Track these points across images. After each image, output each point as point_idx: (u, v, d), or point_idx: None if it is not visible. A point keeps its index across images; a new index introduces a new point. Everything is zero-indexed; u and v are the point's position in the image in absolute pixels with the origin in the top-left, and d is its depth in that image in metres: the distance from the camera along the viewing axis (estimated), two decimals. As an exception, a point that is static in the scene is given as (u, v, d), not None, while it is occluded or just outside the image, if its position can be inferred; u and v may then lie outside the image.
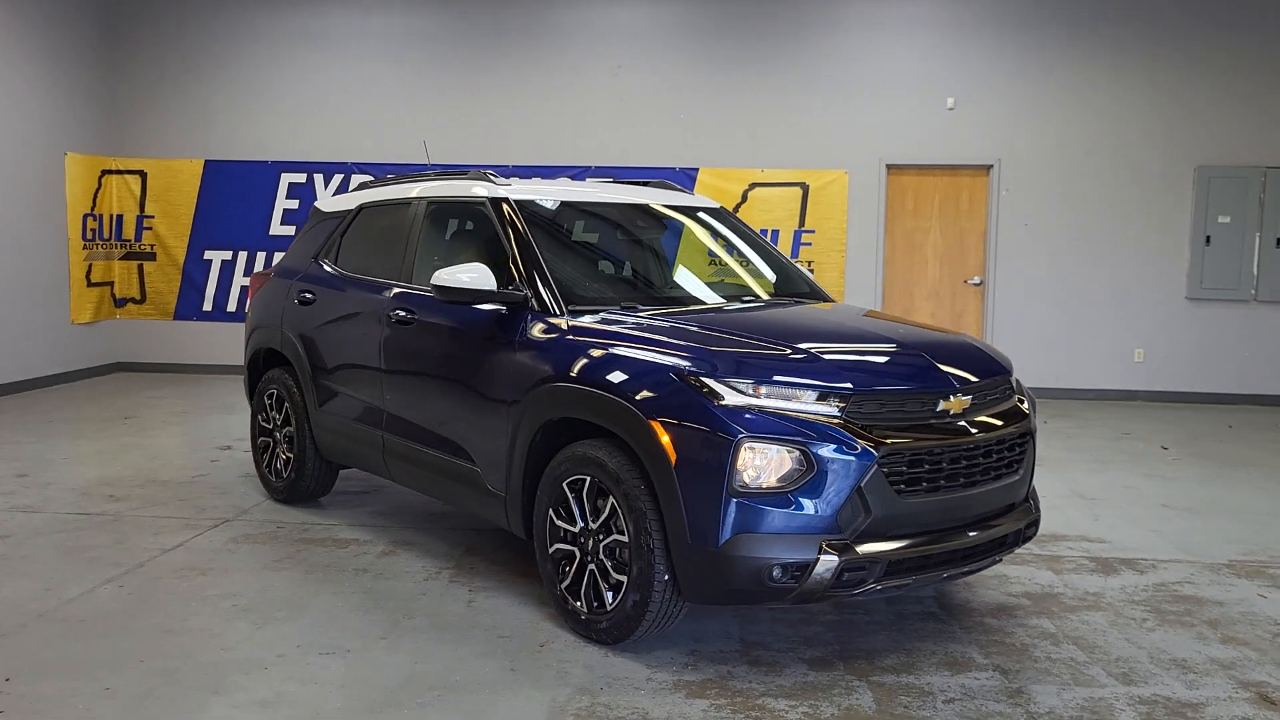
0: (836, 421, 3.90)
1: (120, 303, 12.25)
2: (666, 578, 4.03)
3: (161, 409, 9.78)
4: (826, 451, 3.83)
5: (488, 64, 11.60)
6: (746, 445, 3.81)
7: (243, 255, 12.04)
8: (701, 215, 5.81)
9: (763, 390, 3.94)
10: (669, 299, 5.03)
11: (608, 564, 4.21)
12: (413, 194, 5.77)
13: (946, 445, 4.05)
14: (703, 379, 3.96)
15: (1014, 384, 4.63)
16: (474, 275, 4.75)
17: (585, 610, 4.31)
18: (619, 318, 4.56)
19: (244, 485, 6.86)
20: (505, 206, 5.12)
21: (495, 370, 4.75)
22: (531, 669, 4.07)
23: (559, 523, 4.42)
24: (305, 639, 4.33)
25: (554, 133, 11.51)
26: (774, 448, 3.82)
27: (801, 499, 3.83)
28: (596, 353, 4.32)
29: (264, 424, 6.54)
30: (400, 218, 5.81)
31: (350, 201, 6.35)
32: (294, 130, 11.87)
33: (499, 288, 4.75)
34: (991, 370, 4.46)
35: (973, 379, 4.29)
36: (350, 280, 5.92)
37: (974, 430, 4.17)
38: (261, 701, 3.75)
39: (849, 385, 3.99)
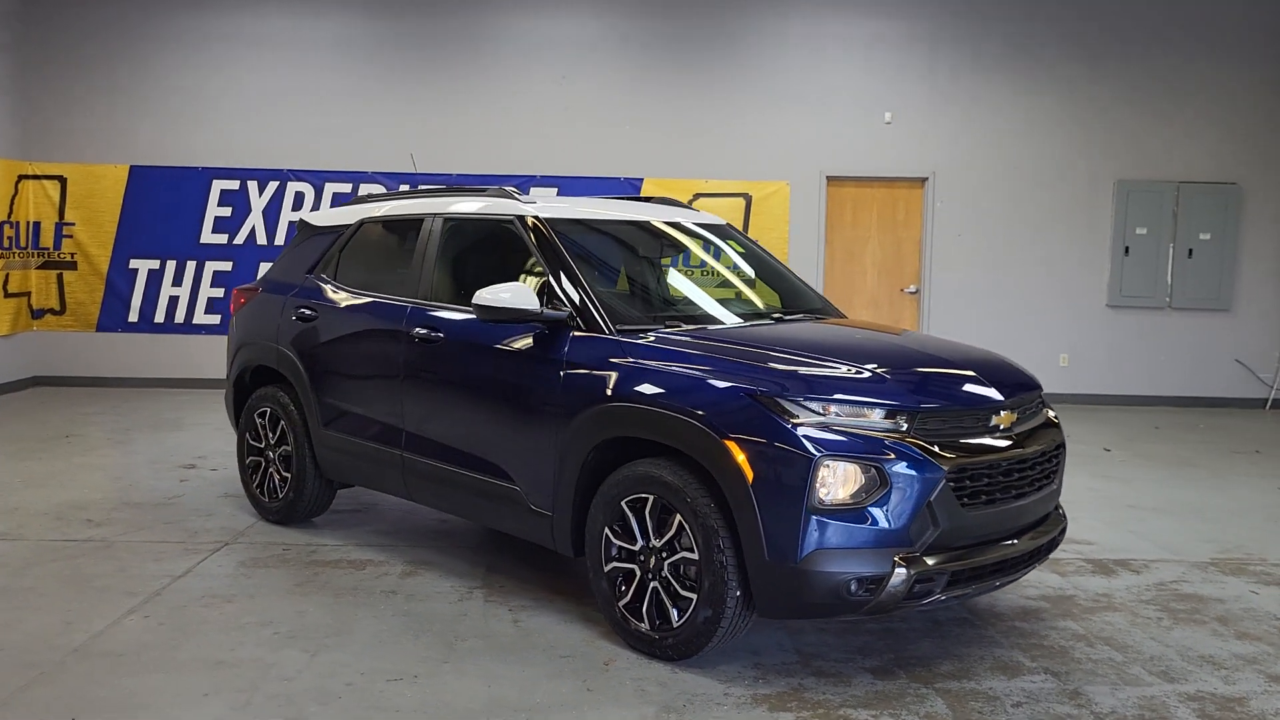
0: (906, 439, 4.04)
1: (38, 314, 11.71)
2: (738, 593, 4.11)
3: (100, 426, 9.40)
4: (899, 468, 3.97)
5: (430, 72, 11.48)
6: (825, 463, 3.92)
7: (171, 265, 11.64)
8: (714, 232, 5.90)
9: (832, 409, 4.06)
10: (707, 317, 5.10)
11: (674, 581, 4.26)
12: (425, 210, 5.72)
13: (1002, 459, 4.24)
14: (776, 399, 4.06)
15: (1043, 398, 4.85)
16: (517, 294, 4.75)
17: (649, 628, 4.35)
18: (674, 337, 4.62)
19: (228, 506, 6.67)
20: (539, 225, 5.13)
21: (541, 390, 4.75)
22: (607, 688, 4.10)
23: (616, 541, 4.46)
24: (365, 665, 4.27)
25: (499, 142, 11.46)
26: (850, 465, 3.94)
27: (876, 514, 3.96)
28: (660, 373, 4.37)
29: (254, 443, 6.38)
30: (411, 234, 5.75)
31: (348, 216, 6.25)
32: (226, 136, 11.53)
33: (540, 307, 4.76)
34: (1028, 385, 4.67)
35: (1015, 394, 4.50)
36: (357, 297, 5.84)
37: (1022, 444, 4.37)
38: (350, 732, 3.71)
39: (915, 403, 4.14)
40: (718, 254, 5.83)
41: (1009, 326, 11.62)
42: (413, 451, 5.41)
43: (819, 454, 3.92)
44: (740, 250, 5.90)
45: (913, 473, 3.98)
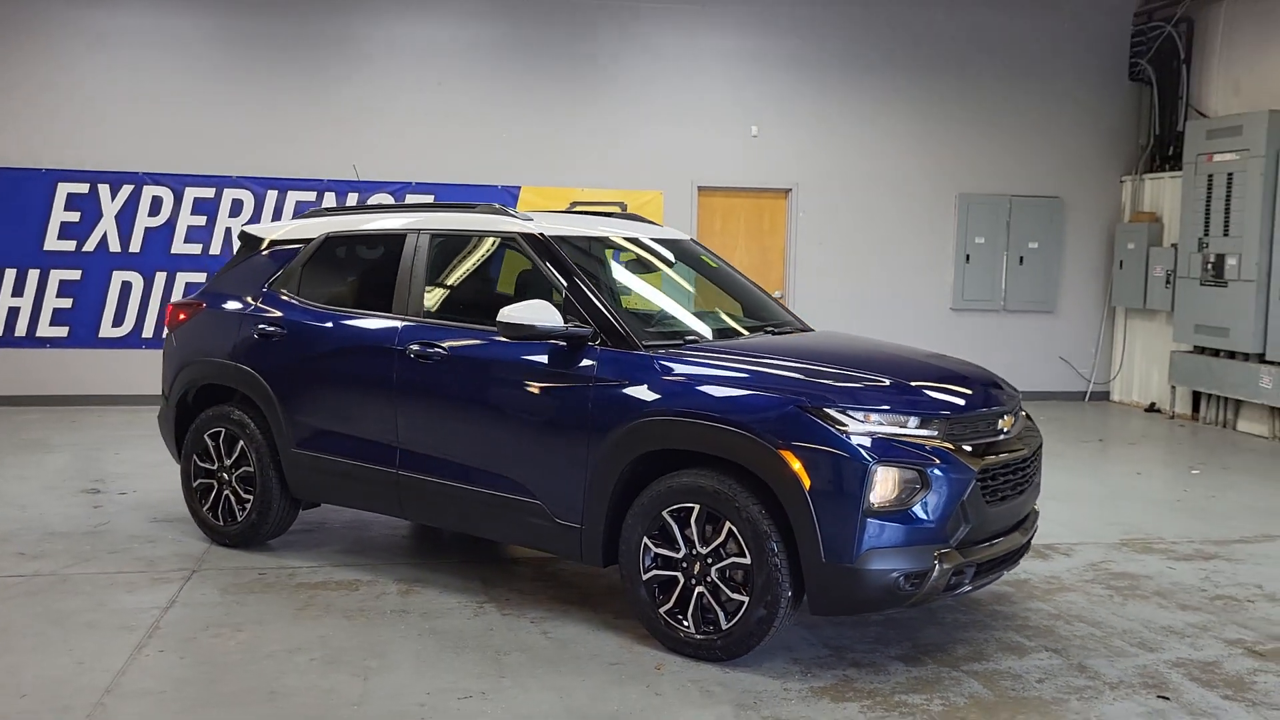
0: (941, 443, 4.41)
1: None
2: (789, 593, 4.38)
3: (-40, 450, 8.69)
4: (938, 470, 4.33)
5: (299, 74, 11.14)
6: (878, 469, 4.24)
7: (11, 273, 10.80)
8: (692, 247, 6.13)
9: (873, 418, 4.38)
10: (717, 330, 5.32)
11: (722, 585, 4.48)
12: (406, 226, 5.69)
13: (1011, 458, 4.68)
14: (824, 409, 4.34)
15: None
16: (541, 312, 4.84)
17: (695, 631, 4.55)
18: (700, 351, 4.83)
19: (168, 531, 6.38)
20: (546, 242, 5.22)
21: (568, 406, 4.86)
22: (672, 691, 4.27)
23: (657, 550, 4.63)
24: (425, 686, 4.28)
25: (372, 148, 11.25)
26: (898, 470, 4.28)
27: (919, 514, 4.31)
28: (705, 386, 4.57)
29: (204, 465, 6.13)
30: (389, 249, 5.71)
31: (306, 230, 6.10)
32: (73, 136, 10.82)
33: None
34: (1013, 392, 5.15)
35: (1011, 400, 4.96)
36: (333, 314, 5.73)
37: (1022, 445, 4.83)
38: (454, 752, 3.74)
39: (945, 410, 4.52)
40: (699, 268, 6.05)
41: (865, 329, 12.30)
42: (410, 469, 5.38)
43: (873, 460, 4.24)
44: (712, 265, 6.15)
45: (949, 474, 4.35)
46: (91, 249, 10.93)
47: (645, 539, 4.65)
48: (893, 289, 12.43)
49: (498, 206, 5.55)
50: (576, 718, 4.04)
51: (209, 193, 11.10)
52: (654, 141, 11.77)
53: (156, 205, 11.02)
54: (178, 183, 11.01)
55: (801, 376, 4.54)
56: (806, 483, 4.26)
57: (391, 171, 11.27)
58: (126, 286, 11.01)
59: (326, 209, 6.49)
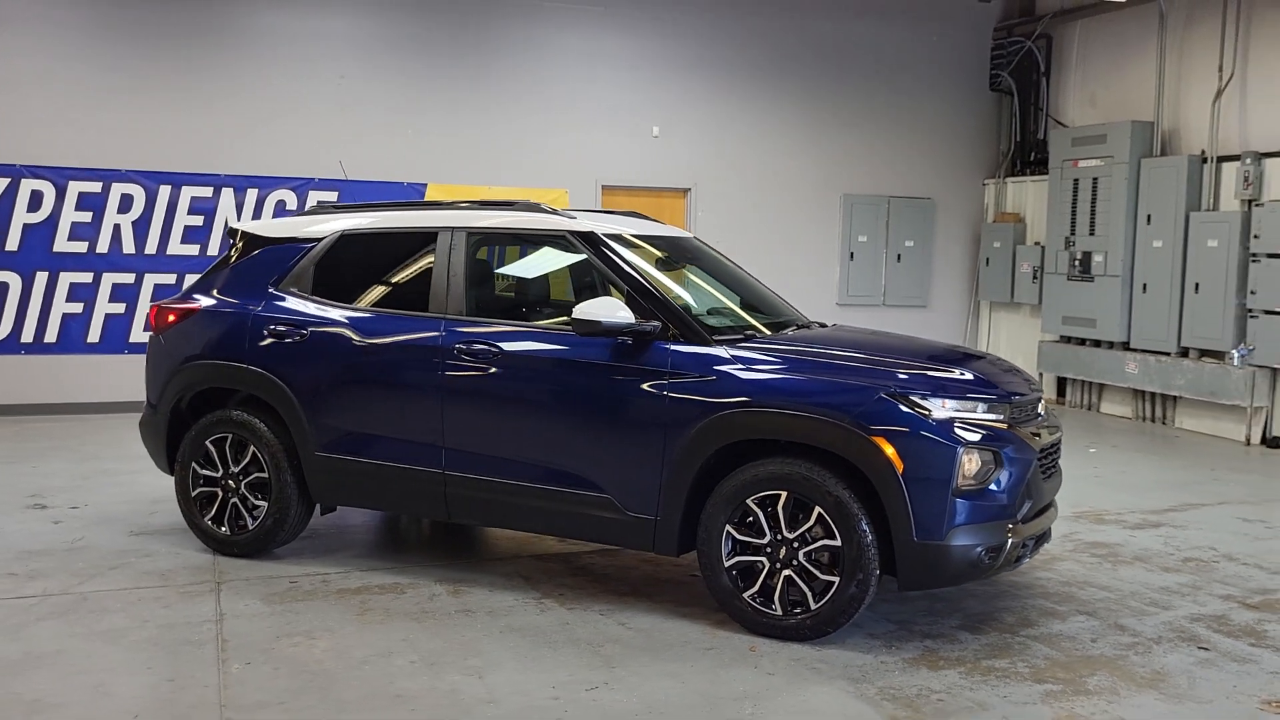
0: (1008, 427, 4.78)
1: None
2: (876, 572, 4.65)
3: None
4: (1011, 453, 4.70)
5: (194, 64, 10.61)
6: (965, 452, 4.56)
7: None
8: (700, 245, 6.31)
9: (949, 404, 4.70)
10: (772, 324, 5.51)
11: (810, 567, 4.70)
12: (438, 223, 5.63)
13: (1052, 440, 5.11)
14: (908, 397, 4.63)
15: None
16: (615, 309, 4.94)
17: (782, 613, 4.75)
18: (770, 344, 5.03)
19: (153, 544, 6.06)
20: (602, 241, 5.31)
21: (643, 400, 4.95)
22: (781, 670, 4.46)
23: (741, 537, 4.80)
24: (545, 680, 4.31)
25: (274, 142, 10.86)
26: (981, 452, 4.61)
27: (996, 493, 4.66)
28: (787, 378, 4.79)
29: (207, 473, 5.87)
30: (418, 248, 5.65)
31: (314, 228, 5.93)
32: (-60, 124, 9.98)
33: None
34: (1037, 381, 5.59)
35: (1039, 387, 5.39)
36: (360, 313, 5.62)
37: (1056, 428, 5.27)
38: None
39: (1007, 397, 4.89)
40: (709, 265, 6.23)
41: (760, 325, 12.80)
42: (458, 469, 5.35)
43: (960, 444, 4.56)
44: (723, 262, 6.34)
45: (1018, 455, 4.72)
46: (-38, 246, 10.11)
47: (728, 526, 4.82)
48: (785, 284, 12.72)
49: (535, 203, 5.58)
50: (710, 701, 4.17)
51: (95, 187, 10.43)
52: (559, 140, 11.84)
53: (36, 200, 10.27)
54: (60, 176, 10.30)
55: (876, 367, 4.81)
56: (899, 466, 4.54)
57: (293, 166, 10.91)
58: (3, 287, 10.22)
59: (329, 206, 6.32)
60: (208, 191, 10.77)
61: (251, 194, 10.87)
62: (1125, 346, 11.44)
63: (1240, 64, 10.61)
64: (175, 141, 10.56)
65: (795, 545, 4.72)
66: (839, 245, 13.14)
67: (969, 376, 4.91)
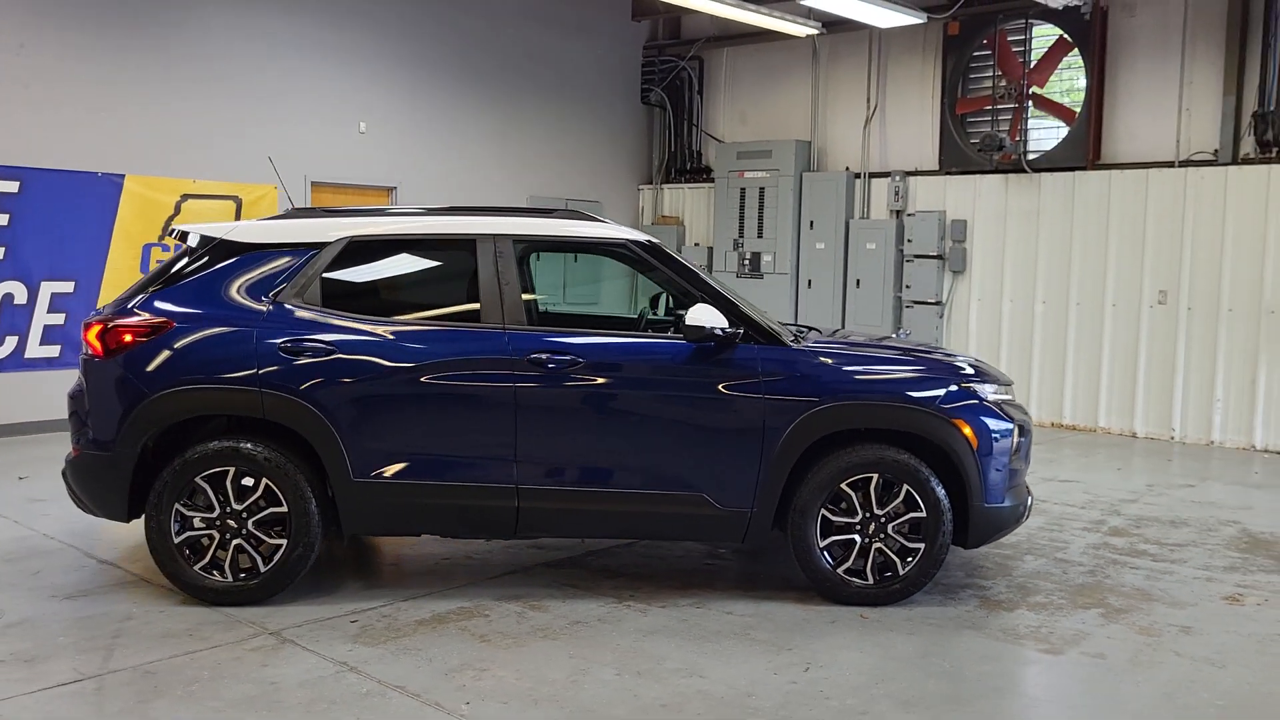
0: (1019, 408, 5.78)
1: None
2: (950, 536, 5.42)
3: None
4: (1028, 425, 5.71)
5: None
6: (1015, 427, 5.48)
7: None
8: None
9: (990, 389, 5.59)
10: (791, 324, 5.98)
11: (897, 538, 5.34)
12: (473, 230, 5.41)
13: (1019, 414, 6.21)
14: (972, 385, 5.46)
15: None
16: (715, 315, 5.22)
17: (873, 582, 5.35)
18: (834, 344, 5.58)
19: (157, 601, 5.16)
20: (661, 250, 5.50)
21: (739, 400, 5.25)
22: (927, 631, 5.06)
23: (835, 519, 5.32)
24: (757, 669, 4.54)
25: (-58, 119, 8.98)
26: (1018, 427, 5.56)
27: (1024, 460, 5.66)
28: (871, 373, 5.38)
29: (195, 515, 5.11)
30: (450, 255, 5.43)
31: (308, 233, 5.38)
32: None
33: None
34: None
35: (997, 373, 6.48)
36: (403, 327, 5.25)
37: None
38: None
39: (1009, 383, 5.87)
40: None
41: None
42: (533, 481, 5.24)
43: (1013, 423, 5.47)
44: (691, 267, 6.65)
45: (1029, 429, 5.75)
46: None
47: (823, 510, 5.31)
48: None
49: (575, 210, 5.58)
50: (909, 665, 4.66)
51: None
52: (266, 134, 10.97)
53: None
54: None
55: (934, 360, 5.58)
56: (975, 444, 5.35)
57: (-32, 150, 9.12)
58: None
59: (311, 209, 5.70)
60: None
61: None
62: (792, 335, 13.16)
63: (881, 98, 12.72)
64: None
65: (883, 520, 5.34)
66: (527, 246, 13.53)
67: (983, 367, 5.83)
